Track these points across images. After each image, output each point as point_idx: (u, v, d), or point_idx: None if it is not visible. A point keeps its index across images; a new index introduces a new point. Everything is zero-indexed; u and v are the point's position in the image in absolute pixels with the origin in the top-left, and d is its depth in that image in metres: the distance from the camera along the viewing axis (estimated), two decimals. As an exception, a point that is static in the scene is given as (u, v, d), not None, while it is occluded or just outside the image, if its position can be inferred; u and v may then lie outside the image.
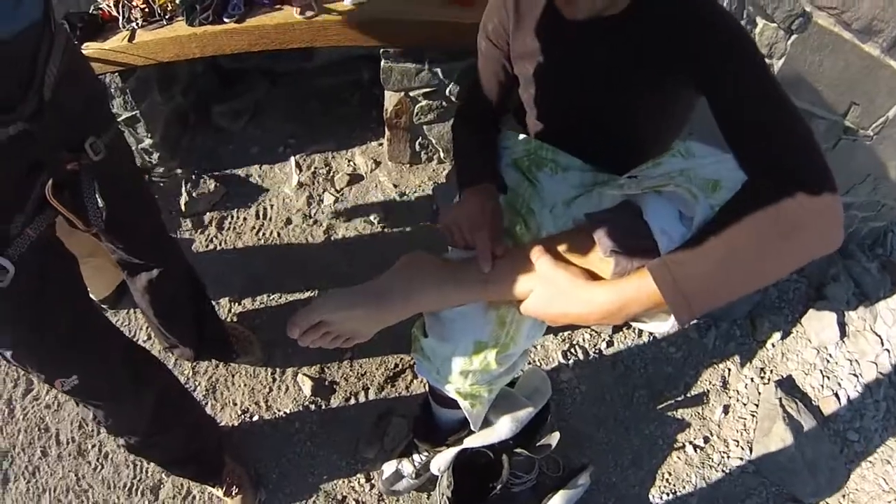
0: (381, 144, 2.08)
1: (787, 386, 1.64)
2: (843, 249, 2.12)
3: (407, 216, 1.90)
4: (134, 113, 1.85)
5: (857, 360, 1.73)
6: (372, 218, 1.90)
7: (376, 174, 2.03)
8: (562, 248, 0.75)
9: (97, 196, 0.86)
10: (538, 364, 1.63)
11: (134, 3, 1.68)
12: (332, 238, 1.89)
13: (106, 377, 0.99)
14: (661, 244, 0.66)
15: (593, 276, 0.72)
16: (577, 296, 0.69)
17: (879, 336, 1.76)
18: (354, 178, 2.02)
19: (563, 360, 1.60)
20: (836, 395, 1.66)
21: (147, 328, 1.70)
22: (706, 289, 0.61)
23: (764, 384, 1.64)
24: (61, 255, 0.92)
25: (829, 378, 1.69)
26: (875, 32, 1.39)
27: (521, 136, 1.02)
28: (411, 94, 1.82)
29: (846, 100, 1.53)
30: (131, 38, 1.64)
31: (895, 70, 1.53)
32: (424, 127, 1.93)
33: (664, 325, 0.72)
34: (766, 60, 1.31)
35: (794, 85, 1.42)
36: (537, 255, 0.74)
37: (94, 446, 1.59)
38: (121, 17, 1.68)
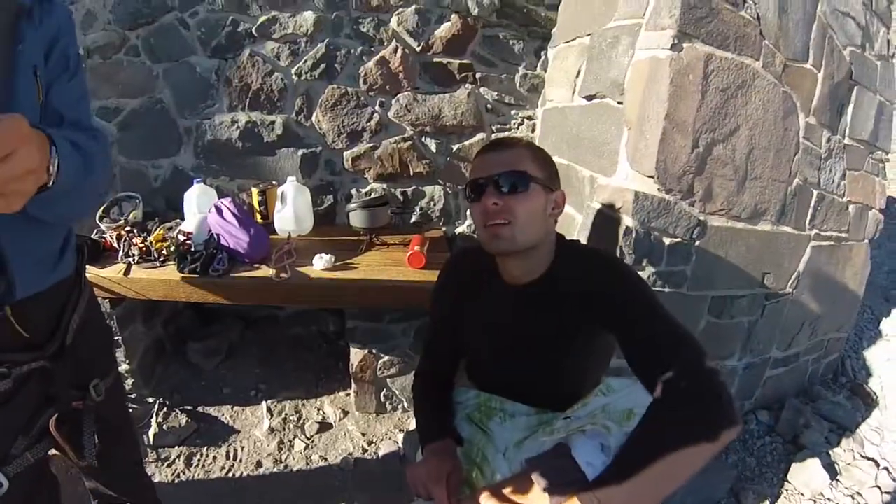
0: (348, 395, 2.18)
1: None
2: (808, 393, 2.19)
3: (375, 463, 1.93)
4: (117, 338, 1.93)
5: (857, 493, 1.64)
6: (341, 464, 1.91)
7: (345, 423, 2.08)
8: (507, 490, 0.89)
9: (94, 435, 0.93)
10: None
11: (134, 242, 1.90)
12: (304, 485, 1.85)
13: None
14: (587, 474, 0.80)
15: None
16: None
17: (872, 459, 1.71)
18: (324, 427, 2.06)
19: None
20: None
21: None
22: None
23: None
24: (50, 483, 1.00)
25: (836, 521, 1.59)
26: (761, 213, 1.70)
27: (472, 392, 1.19)
28: (373, 350, 2.01)
29: (758, 272, 1.77)
30: (127, 272, 1.81)
31: (790, 234, 1.82)
32: (388, 380, 2.08)
33: None
34: (678, 268, 1.58)
35: (708, 278, 1.64)
36: (487, 500, 0.87)
37: None
38: (120, 251, 1.89)
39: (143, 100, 2.27)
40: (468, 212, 2.33)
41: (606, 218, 1.52)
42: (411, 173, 2.29)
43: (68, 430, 0.90)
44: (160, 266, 1.89)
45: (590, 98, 1.75)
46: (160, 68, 2.23)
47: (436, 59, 2.24)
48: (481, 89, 2.30)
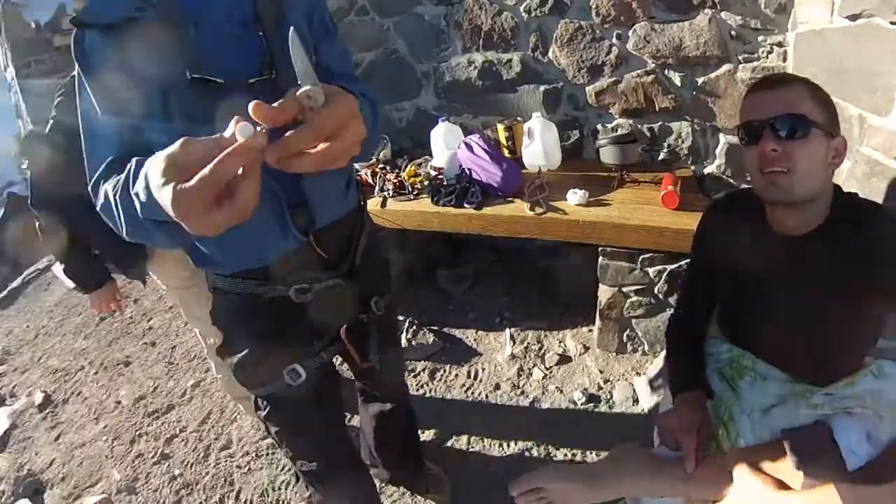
0: (590, 330, 2.17)
1: None
2: None
3: (609, 402, 1.92)
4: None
5: None
6: (576, 398, 1.92)
7: (584, 358, 2.09)
8: (757, 458, 0.86)
9: (375, 342, 1.09)
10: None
11: (387, 177, 2.06)
12: (536, 410, 1.92)
13: (338, 470, 1.21)
14: (848, 463, 0.75)
15: (783, 487, 0.81)
16: (768, 502, 0.79)
17: None
18: (563, 359, 2.09)
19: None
20: None
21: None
22: None
23: None
24: (335, 379, 1.18)
25: None
26: None
27: (725, 346, 1.13)
28: (623, 289, 1.94)
29: None
30: (383, 205, 1.99)
31: None
32: (633, 320, 2.02)
33: None
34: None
35: None
36: (736, 463, 0.86)
37: None
38: (376, 186, 2.07)
39: (378, 52, 2.43)
40: (717, 150, 2.10)
41: (880, 167, 1.25)
42: (657, 108, 2.12)
43: (354, 337, 1.04)
44: (414, 199, 2.02)
45: (853, 18, 1.39)
46: (390, 22, 2.36)
47: (669, -17, 2.01)
48: (722, 14, 2.00)
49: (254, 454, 1.95)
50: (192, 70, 0.77)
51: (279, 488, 1.81)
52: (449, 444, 1.85)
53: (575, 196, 1.82)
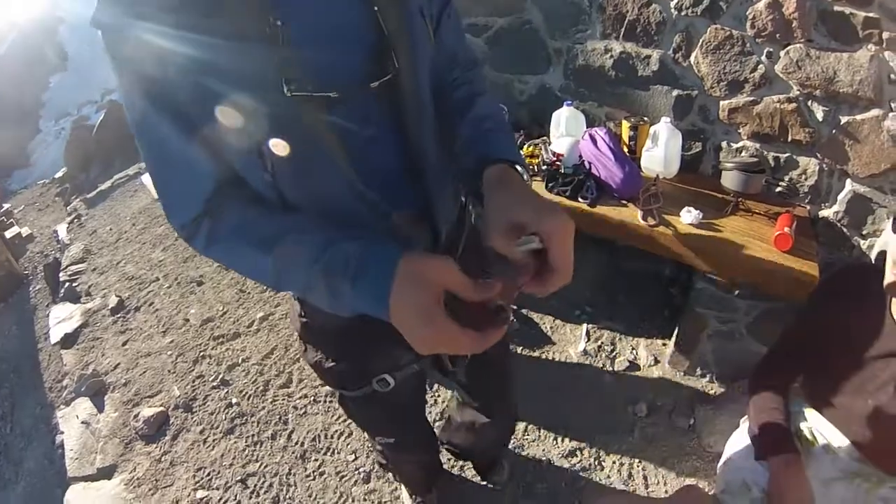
0: (664, 344, 2.22)
1: None
2: None
3: (666, 420, 1.97)
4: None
5: None
6: (636, 409, 2.00)
7: (652, 370, 2.14)
8: None
9: (466, 357, 1.05)
10: None
11: None
12: (596, 412, 1.98)
13: (412, 443, 1.27)
14: None
15: None
16: None
17: None
18: (633, 366, 2.16)
19: None
20: None
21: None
22: None
23: None
24: (421, 380, 1.19)
25: None
26: None
27: (810, 408, 1.12)
28: (711, 314, 1.97)
29: None
30: None
31: None
32: (711, 347, 2.04)
33: None
34: None
35: None
36: None
37: (316, 460, 1.78)
38: None
39: (511, 19, 2.39)
40: (839, 196, 2.05)
41: None
42: (789, 139, 2.07)
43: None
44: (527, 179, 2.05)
45: None
46: (530, -9, 2.29)
47: (837, 8, 1.87)
48: (886, 53, 1.90)
49: (312, 398, 1.98)
50: (289, 84, 0.59)
51: (332, 437, 1.85)
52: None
53: (689, 215, 1.85)
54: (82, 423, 2.05)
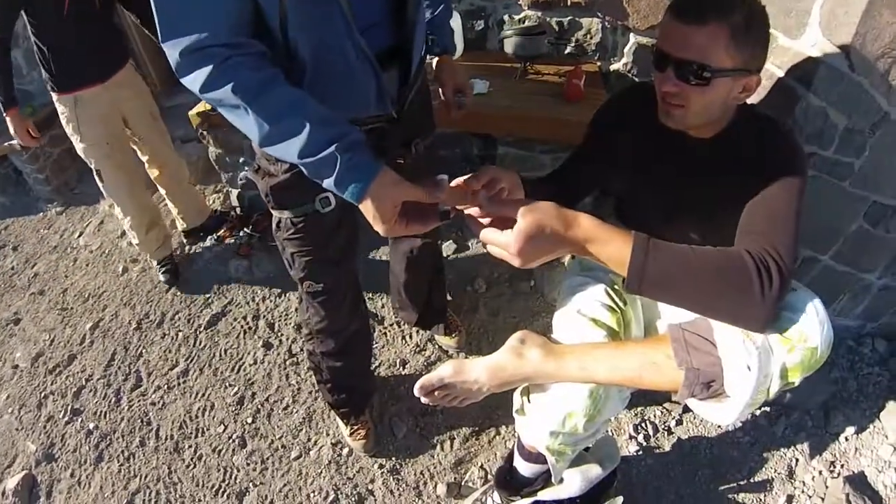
0: None
1: (857, 482, 1.45)
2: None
3: (507, 289, 1.99)
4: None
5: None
6: (475, 285, 2.05)
7: (479, 247, 2.14)
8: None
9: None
10: (611, 433, 1.63)
11: None
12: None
13: (341, 293, 1.31)
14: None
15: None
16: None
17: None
18: (460, 248, 2.19)
19: (633, 433, 1.62)
20: (912, 494, 1.37)
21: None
22: (658, 281, 0.75)
23: (833, 478, 1.47)
24: (356, 213, 1.19)
25: (905, 477, 1.44)
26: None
27: None
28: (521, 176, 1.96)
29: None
30: None
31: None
32: None
33: (725, 415, 0.84)
34: (847, 159, 1.32)
35: (875, 180, 1.37)
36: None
37: (190, 447, 1.73)
38: None
39: None
40: (626, 49, 2.12)
41: (781, 84, 1.30)
42: (569, 3, 2.08)
43: None
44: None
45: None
46: None
47: None
48: None
49: (165, 387, 1.90)
50: None
51: (196, 416, 1.79)
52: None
53: (477, 85, 1.82)
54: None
